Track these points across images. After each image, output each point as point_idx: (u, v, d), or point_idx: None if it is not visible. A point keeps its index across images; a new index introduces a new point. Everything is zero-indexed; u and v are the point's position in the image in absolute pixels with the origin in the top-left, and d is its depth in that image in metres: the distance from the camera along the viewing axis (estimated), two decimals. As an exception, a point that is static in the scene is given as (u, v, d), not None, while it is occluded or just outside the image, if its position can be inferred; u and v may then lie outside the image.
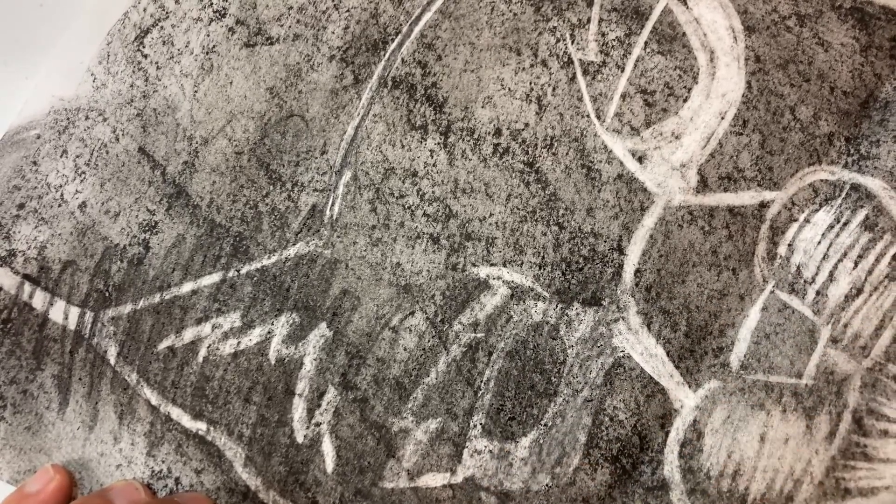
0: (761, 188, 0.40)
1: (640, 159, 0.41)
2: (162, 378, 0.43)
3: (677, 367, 0.39)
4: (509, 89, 0.44)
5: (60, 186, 0.46)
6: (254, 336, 0.43)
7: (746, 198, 0.40)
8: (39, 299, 0.45)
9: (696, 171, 0.41)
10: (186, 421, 0.43)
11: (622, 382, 0.39)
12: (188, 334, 0.44)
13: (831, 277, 0.38)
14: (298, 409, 0.42)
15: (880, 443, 0.36)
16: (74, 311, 0.45)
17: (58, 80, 0.49)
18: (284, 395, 0.42)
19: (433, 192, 0.43)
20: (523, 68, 0.44)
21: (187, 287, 0.44)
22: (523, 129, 0.43)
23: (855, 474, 0.36)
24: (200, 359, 0.43)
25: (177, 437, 0.43)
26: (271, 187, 0.45)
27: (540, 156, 0.42)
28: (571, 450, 0.39)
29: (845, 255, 0.38)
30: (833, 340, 0.37)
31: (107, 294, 0.45)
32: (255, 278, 0.44)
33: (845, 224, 0.38)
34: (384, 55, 0.45)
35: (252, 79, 0.47)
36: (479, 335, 0.41)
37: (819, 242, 0.39)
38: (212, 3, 0.48)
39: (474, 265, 0.42)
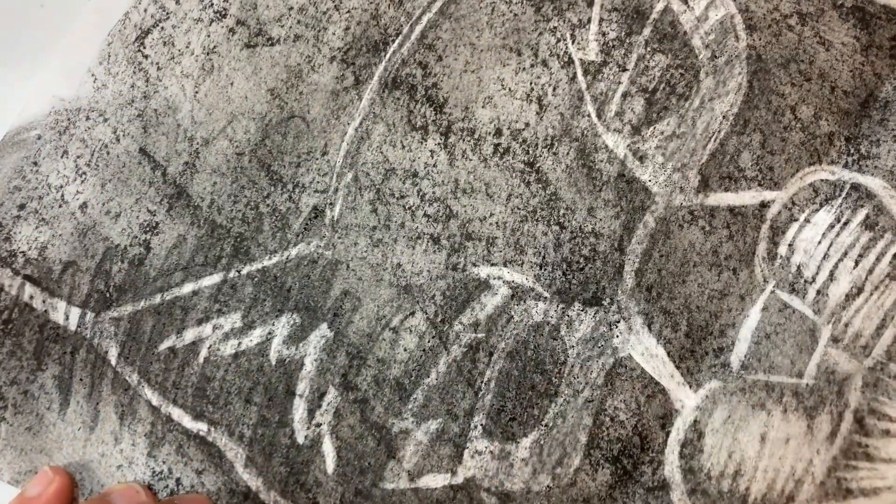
0: (762, 188, 0.40)
1: (641, 158, 0.41)
2: (163, 379, 0.43)
3: (678, 368, 0.39)
4: (510, 89, 0.44)
5: (61, 187, 0.46)
6: (254, 337, 0.43)
7: (747, 198, 0.40)
8: (40, 300, 0.45)
9: (697, 171, 0.41)
10: (187, 421, 0.43)
11: (623, 383, 0.39)
12: (189, 335, 0.44)
13: (832, 277, 0.38)
14: (299, 409, 0.42)
15: (882, 443, 0.36)
16: (75, 312, 0.45)
17: (58, 80, 0.49)
18: (285, 395, 0.42)
19: (434, 193, 0.43)
20: (524, 68, 0.44)
21: (188, 288, 0.44)
22: (524, 129, 0.43)
23: (857, 474, 0.36)
24: (201, 359, 0.43)
25: (178, 438, 0.43)
26: (272, 188, 0.45)
27: (540, 155, 0.42)
28: (572, 450, 0.39)
29: (846, 254, 0.38)
30: (834, 340, 0.37)
31: (108, 295, 0.45)
32: (256, 279, 0.44)
33: (846, 223, 0.38)
34: (385, 56, 0.45)
35: (253, 80, 0.46)
36: (479, 335, 0.41)
37: (819, 242, 0.38)
38: (212, 4, 0.48)
39: (475, 265, 0.42)
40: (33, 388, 0.44)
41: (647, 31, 0.43)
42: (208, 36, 0.48)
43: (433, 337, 0.41)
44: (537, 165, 0.42)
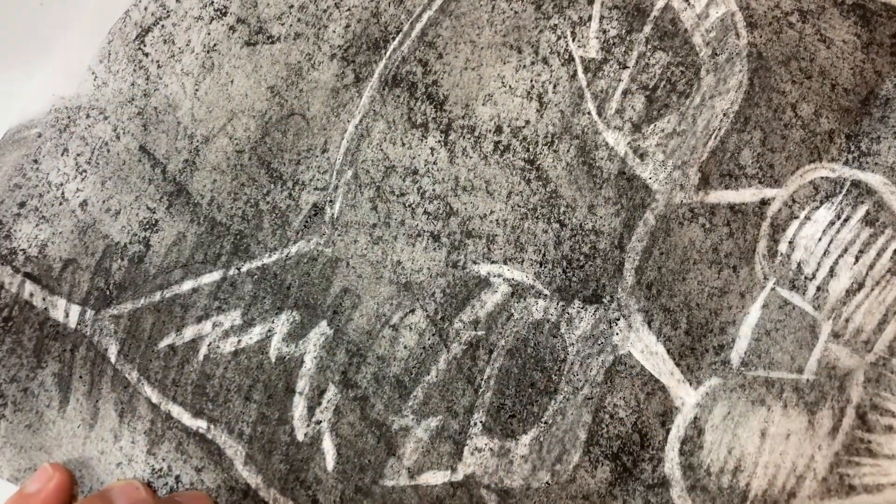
0: (762, 185, 0.40)
1: (642, 156, 0.41)
2: (162, 376, 0.43)
3: (678, 365, 0.39)
4: (510, 87, 0.44)
5: (61, 185, 0.46)
6: (254, 334, 0.43)
7: (747, 195, 0.40)
8: (40, 298, 0.45)
9: (697, 169, 0.41)
10: (187, 419, 0.43)
11: (622, 380, 0.39)
12: (189, 332, 0.44)
13: (832, 273, 0.38)
14: (299, 407, 0.42)
15: (885, 438, 0.36)
16: (75, 310, 0.45)
17: (59, 78, 0.49)
18: (285, 393, 0.42)
19: (434, 190, 0.43)
20: (524, 66, 0.44)
21: (188, 285, 0.44)
22: (524, 127, 0.43)
23: (859, 470, 0.36)
24: (201, 357, 0.43)
25: (177, 436, 0.43)
26: (272, 186, 0.45)
27: (541, 153, 0.42)
28: (572, 447, 0.39)
29: (846, 250, 0.38)
30: (834, 335, 0.37)
31: (107, 292, 0.45)
32: (256, 276, 0.44)
33: (846, 220, 0.38)
34: (385, 54, 0.45)
35: (253, 77, 0.47)
36: (479, 333, 0.41)
37: (820, 239, 0.38)
38: (213, 2, 0.48)
39: (475, 263, 0.42)
40: (33, 386, 0.44)
41: (647, 29, 0.43)
42: (209, 34, 0.48)
43: (433, 334, 0.41)
44: (538, 163, 0.42)
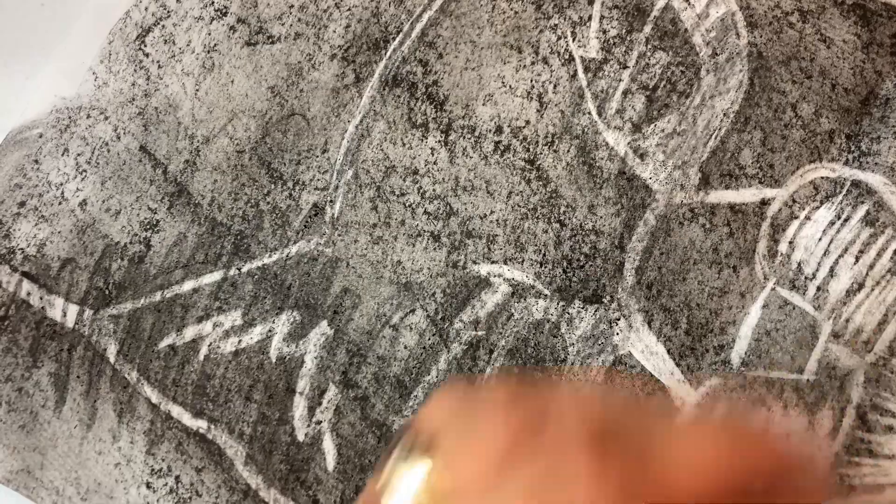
0: (762, 185, 0.40)
1: (642, 156, 0.41)
2: (163, 376, 0.43)
3: (678, 365, 0.39)
4: (510, 87, 0.44)
5: (61, 184, 0.46)
6: (255, 334, 0.43)
7: (748, 195, 0.40)
8: (37, 297, 0.45)
9: (697, 169, 0.41)
10: (187, 419, 0.43)
11: (623, 380, 0.39)
12: (189, 332, 0.44)
13: (832, 273, 0.38)
14: (299, 407, 0.42)
15: (885, 439, 0.36)
16: (73, 309, 0.45)
17: (60, 79, 0.49)
18: (285, 393, 0.42)
19: (434, 190, 0.43)
20: (524, 66, 0.44)
21: (188, 285, 0.44)
22: (524, 127, 0.43)
23: (860, 471, 0.36)
24: (201, 357, 0.43)
25: (177, 436, 0.43)
26: (273, 186, 0.45)
27: (541, 153, 0.42)
28: (573, 448, 0.39)
29: (846, 250, 0.38)
30: (835, 335, 0.37)
31: (107, 292, 0.45)
32: (257, 277, 0.44)
33: (846, 220, 0.38)
34: (385, 54, 0.45)
35: (253, 77, 0.46)
36: (479, 333, 0.41)
37: (820, 239, 0.38)
38: (213, 2, 0.48)
39: (475, 263, 0.42)
40: (28, 386, 0.44)
41: (647, 29, 0.43)
42: (209, 34, 0.48)
43: (433, 334, 0.41)
44: (538, 163, 0.42)
